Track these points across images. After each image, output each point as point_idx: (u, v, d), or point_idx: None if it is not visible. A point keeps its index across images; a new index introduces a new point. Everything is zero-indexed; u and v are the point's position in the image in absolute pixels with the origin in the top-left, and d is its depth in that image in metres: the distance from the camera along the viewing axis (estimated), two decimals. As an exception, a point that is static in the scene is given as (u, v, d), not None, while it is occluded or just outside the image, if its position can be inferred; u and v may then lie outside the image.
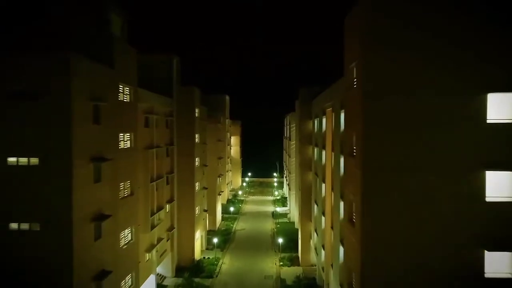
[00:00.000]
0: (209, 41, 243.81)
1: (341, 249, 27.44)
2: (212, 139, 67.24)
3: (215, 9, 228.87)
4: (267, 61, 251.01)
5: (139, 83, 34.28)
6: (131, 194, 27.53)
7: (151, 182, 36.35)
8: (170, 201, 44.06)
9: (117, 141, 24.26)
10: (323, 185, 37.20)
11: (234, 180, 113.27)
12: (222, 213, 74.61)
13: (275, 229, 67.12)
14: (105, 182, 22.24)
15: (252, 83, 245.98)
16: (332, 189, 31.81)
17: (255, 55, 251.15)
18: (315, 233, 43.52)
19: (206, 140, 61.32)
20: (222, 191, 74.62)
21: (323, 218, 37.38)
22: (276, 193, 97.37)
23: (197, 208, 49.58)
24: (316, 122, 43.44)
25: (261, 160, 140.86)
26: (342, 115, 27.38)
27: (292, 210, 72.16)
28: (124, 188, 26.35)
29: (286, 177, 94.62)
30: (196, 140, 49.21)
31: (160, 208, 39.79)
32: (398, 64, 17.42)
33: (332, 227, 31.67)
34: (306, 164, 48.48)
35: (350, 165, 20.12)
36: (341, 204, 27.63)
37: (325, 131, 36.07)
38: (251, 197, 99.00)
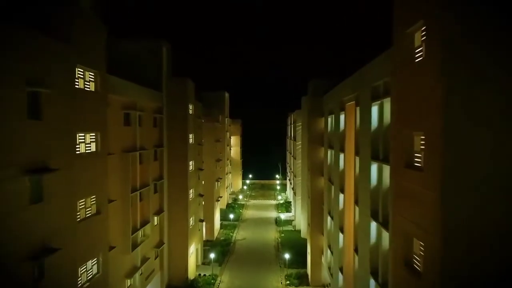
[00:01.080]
0: (209, 37, 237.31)
1: (372, 283, 20.98)
2: (210, 139, 60.78)
3: (216, 5, 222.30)
4: (268, 58, 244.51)
5: (120, 72, 27.87)
6: (97, 212, 21.04)
7: (132, 193, 29.91)
8: (158, 212, 37.61)
9: (72, 144, 17.79)
10: (341, 196, 30.76)
11: (234, 182, 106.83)
12: (221, 219, 68.21)
13: (279, 239, 60.66)
14: (51, 202, 15.79)
15: (253, 80, 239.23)
16: (356, 203, 25.35)
17: (257, 51, 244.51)
18: (328, 250, 37.08)
19: (202, 141, 54.84)
20: (221, 197, 68.18)
21: (340, 235, 30.94)
22: (280, 197, 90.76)
23: (191, 218, 43.15)
24: (330, 119, 36.97)
25: (263, 162, 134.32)
26: (374, 109, 20.93)
27: (298, 217, 65.70)
28: (86, 206, 19.87)
29: (290, 180, 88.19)
30: (190, 140, 42.78)
31: (145, 222, 33.35)
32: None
33: (356, 251, 25.19)
34: (316, 169, 42.00)
35: (408, 181, 13.62)
36: (372, 224, 21.16)
37: (345, 130, 29.62)
38: (252, 201, 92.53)
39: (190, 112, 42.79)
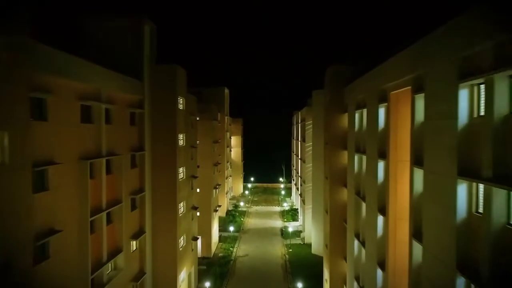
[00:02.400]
0: (210, 33, 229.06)
1: None
2: (206, 140, 52.56)
3: (219, 2, 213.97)
4: (271, 54, 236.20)
5: (91, 56, 19.70)
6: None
7: (94, 215, 21.68)
8: (138, 235, 29.42)
9: None
10: (380, 217, 22.53)
11: (235, 186, 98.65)
12: (219, 230, 60.09)
13: (286, 255, 52.44)
14: None
15: (255, 77, 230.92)
16: (414, 236, 17.09)
17: (259, 47, 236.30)
18: (355, 282, 28.86)
19: (197, 142, 46.65)
20: (220, 206, 59.93)
21: (379, 272, 22.71)
22: (286, 204, 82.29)
23: (182, 238, 34.98)
24: (357, 115, 28.73)
25: (266, 164, 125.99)
26: (463, 95, 12.69)
27: (308, 228, 57.49)
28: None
29: (296, 184, 79.97)
30: (180, 142, 34.59)
31: (116, 252, 25.15)
32: None
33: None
34: (336, 177, 33.76)
35: None
36: (460, 281, 12.86)
37: (387, 128, 21.38)
38: (254, 208, 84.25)
39: (181, 107, 34.57)
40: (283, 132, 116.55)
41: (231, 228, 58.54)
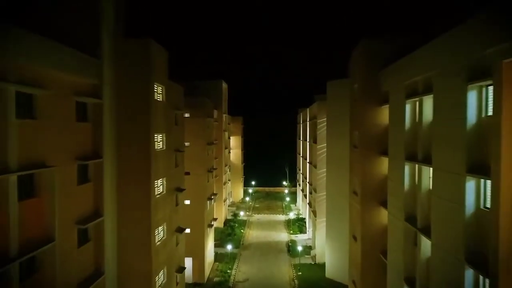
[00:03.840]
0: (209, 27, 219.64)
1: None
2: (198, 141, 43.51)
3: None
4: (274, 50, 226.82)
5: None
6: None
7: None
8: (93, 278, 20.35)
9: None
10: (469, 271, 13.52)
11: (234, 191, 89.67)
12: (216, 245, 51.24)
13: (295, 280, 43.42)
14: None
15: (256, 72, 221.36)
16: None
17: (260, 43, 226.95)
18: None
19: (186, 144, 37.73)
20: (215, 219, 50.91)
21: None
22: (292, 214, 72.79)
23: (161, 273, 25.99)
24: (408, 107, 19.66)
25: (268, 166, 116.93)
26: None
27: (320, 245, 48.45)
28: None
29: (303, 190, 70.91)
30: (158, 145, 25.61)
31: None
32: None
33: None
34: (370, 193, 24.71)
35: None
36: None
37: (496, 122, 12.35)
38: (256, 217, 75.16)
39: (159, 97, 25.59)
40: (287, 131, 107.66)
41: (229, 247, 49.31)
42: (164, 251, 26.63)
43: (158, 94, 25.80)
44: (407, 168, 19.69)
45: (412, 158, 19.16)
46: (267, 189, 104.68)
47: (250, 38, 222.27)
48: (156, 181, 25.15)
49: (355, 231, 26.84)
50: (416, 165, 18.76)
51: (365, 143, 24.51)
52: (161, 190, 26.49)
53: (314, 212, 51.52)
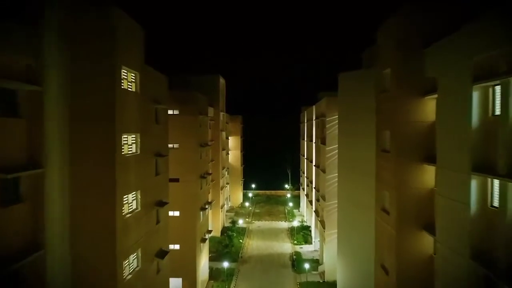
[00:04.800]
0: (209, 21, 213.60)
1: None
2: (189, 142, 37.42)
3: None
4: (274, 45, 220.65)
5: None
6: None
7: None
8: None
9: None
10: None
11: (233, 195, 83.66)
12: (212, 259, 45.35)
13: (302, 303, 37.40)
14: None
15: (257, 69, 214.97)
16: None
17: (261, 37, 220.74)
18: None
19: (173, 146, 31.81)
20: (211, 231, 44.90)
21: None
22: (295, 222, 66.20)
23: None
24: (474, 97, 13.53)
25: (269, 168, 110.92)
26: None
27: (329, 260, 42.42)
28: None
29: (308, 196, 64.86)
30: (129, 149, 19.60)
31: None
32: None
33: None
34: (410, 212, 18.50)
35: None
36: None
37: None
38: (256, 224, 69.10)
39: (130, 87, 19.61)
40: (289, 131, 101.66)
41: (225, 264, 43.18)
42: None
43: (129, 82, 19.80)
44: (474, 184, 13.64)
45: (484, 169, 13.11)
46: (268, 192, 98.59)
47: (250, 34, 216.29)
48: (125, 196, 19.14)
49: (384, 261, 20.75)
50: (494, 180, 12.73)
51: (401, 146, 18.39)
52: (134, 207, 20.48)
53: (322, 223, 45.47)
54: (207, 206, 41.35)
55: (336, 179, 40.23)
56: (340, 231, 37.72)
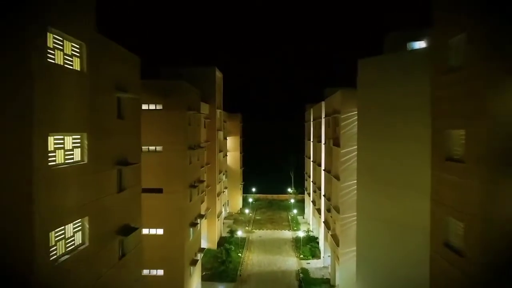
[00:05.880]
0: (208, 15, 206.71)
1: None
2: (175, 143, 30.59)
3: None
4: (275, 39, 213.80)
5: None
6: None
7: None
8: None
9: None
10: None
11: (232, 200, 76.94)
12: (205, 278, 38.70)
13: None
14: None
15: (257, 65, 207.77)
16: None
17: (262, 31, 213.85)
18: None
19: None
20: (203, 249, 38.07)
21: None
22: (301, 232, 58.77)
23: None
24: None
25: (270, 170, 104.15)
26: None
27: (343, 282, 35.69)
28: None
29: (315, 203, 58.07)
30: (68, 157, 12.87)
31: None
32: None
33: None
34: (502, 259, 11.71)
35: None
36: None
37: None
38: (257, 233, 62.27)
39: (69, 63, 12.87)
40: (292, 131, 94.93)
41: None
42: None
43: (68, 56, 13.03)
44: None
45: None
46: (269, 196, 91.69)
47: (251, 29, 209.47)
48: (59, 229, 12.39)
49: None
50: None
51: (490, 153, 11.54)
52: (77, 242, 13.72)
53: (334, 238, 38.70)
54: (198, 221, 34.54)
55: (354, 188, 33.57)
56: (360, 252, 30.95)
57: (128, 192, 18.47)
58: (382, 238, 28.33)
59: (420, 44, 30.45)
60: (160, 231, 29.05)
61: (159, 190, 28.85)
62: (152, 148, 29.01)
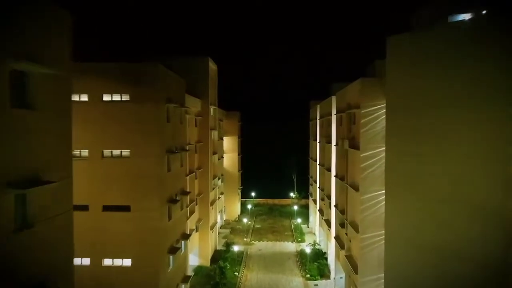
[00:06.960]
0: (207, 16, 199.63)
1: None
2: (147, 147, 23.46)
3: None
4: (276, 37, 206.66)
5: None
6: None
7: None
8: None
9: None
10: None
11: (229, 207, 69.96)
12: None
13: None
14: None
15: (257, 61, 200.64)
16: None
17: (263, 29, 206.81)
18: None
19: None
20: (188, 277, 30.86)
21: None
22: (306, 246, 50.88)
23: None
24: None
25: (271, 173, 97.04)
26: None
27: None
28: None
29: (322, 213, 50.95)
30: None
31: None
32: None
33: None
34: None
35: None
36: None
37: None
38: (257, 245, 55.18)
39: None
40: (295, 130, 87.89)
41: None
42: None
43: None
44: None
45: None
46: (270, 201, 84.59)
47: (251, 29, 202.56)
48: None
49: None
50: None
51: None
52: None
53: (349, 259, 31.58)
54: (181, 244, 27.40)
55: (378, 201, 26.55)
56: (389, 282, 23.86)
57: (43, 227, 11.34)
58: (423, 271, 21.35)
59: (465, 17, 23.42)
60: (127, 262, 21.98)
61: (126, 208, 21.81)
62: (116, 152, 21.95)
